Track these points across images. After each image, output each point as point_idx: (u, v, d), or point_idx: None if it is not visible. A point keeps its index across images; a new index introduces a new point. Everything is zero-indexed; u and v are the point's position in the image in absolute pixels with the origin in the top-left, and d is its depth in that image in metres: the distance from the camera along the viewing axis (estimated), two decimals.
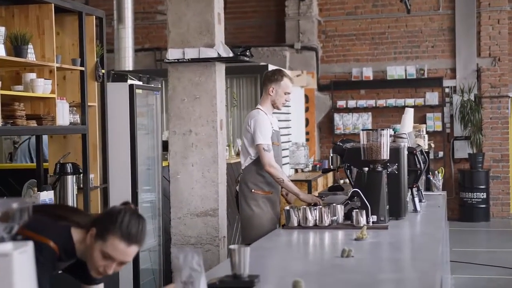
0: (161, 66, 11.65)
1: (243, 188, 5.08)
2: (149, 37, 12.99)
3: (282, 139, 9.02)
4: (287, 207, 4.10)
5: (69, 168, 5.23)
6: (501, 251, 9.25)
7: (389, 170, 4.26)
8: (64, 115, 5.12)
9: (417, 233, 4.26)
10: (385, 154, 4.17)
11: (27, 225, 1.89)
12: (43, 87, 4.87)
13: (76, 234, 2.59)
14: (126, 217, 2.53)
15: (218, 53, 5.17)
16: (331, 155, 4.86)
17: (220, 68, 5.37)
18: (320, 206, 4.10)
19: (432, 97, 11.94)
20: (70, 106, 5.29)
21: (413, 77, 12.02)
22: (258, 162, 5.02)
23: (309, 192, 8.26)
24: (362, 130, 4.27)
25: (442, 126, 11.93)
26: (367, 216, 4.00)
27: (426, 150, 5.99)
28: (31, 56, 4.83)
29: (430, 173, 6.18)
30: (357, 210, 4.00)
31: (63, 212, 2.68)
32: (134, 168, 6.02)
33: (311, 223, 4.00)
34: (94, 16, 5.73)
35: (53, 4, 5.06)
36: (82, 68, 5.43)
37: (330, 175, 9.97)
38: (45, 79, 4.93)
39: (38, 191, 5.04)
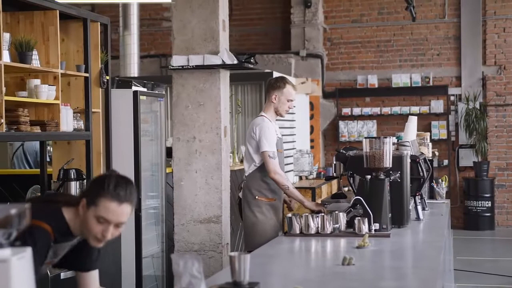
0: (166, 73, 11.68)
1: (247, 195, 5.09)
2: (155, 43, 13.02)
3: (286, 146, 9.04)
4: (289, 215, 4.10)
5: (72, 174, 5.24)
6: (506, 260, 9.22)
7: (392, 178, 4.26)
8: (68, 121, 5.14)
9: (419, 241, 4.24)
10: (388, 162, 4.16)
11: None
12: (47, 93, 4.89)
13: (67, 213, 2.63)
14: (113, 179, 2.59)
15: (223, 60, 5.18)
16: (334, 162, 4.86)
17: (225, 75, 5.38)
18: (323, 214, 4.09)
19: (437, 105, 11.92)
20: (74, 112, 5.31)
21: (418, 85, 12.01)
22: (262, 169, 5.03)
23: (313, 199, 8.26)
24: (365, 138, 4.27)
25: (447, 134, 11.91)
26: (369, 224, 4.00)
27: (430, 158, 5.98)
28: (35, 62, 4.85)
29: (434, 181, 6.16)
30: (359, 218, 4.00)
31: (52, 197, 2.75)
32: (138, 175, 6.03)
33: (313, 231, 3.99)
34: (99, 23, 5.75)
35: (58, 11, 5.09)
36: (87, 75, 5.45)
37: (334, 182, 9.96)
38: (49, 85, 4.95)
39: None
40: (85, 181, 5.42)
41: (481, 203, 11.48)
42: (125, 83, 6.35)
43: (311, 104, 11.62)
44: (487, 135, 11.74)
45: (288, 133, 9.47)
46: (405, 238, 4.11)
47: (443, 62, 12.13)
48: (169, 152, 6.03)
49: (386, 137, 4.20)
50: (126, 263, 5.84)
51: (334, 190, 9.72)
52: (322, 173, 10.06)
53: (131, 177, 6.01)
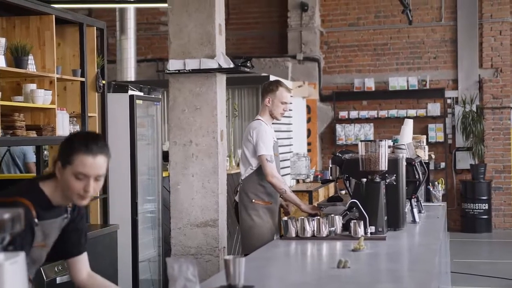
0: (163, 77, 11.67)
1: (243, 198, 5.10)
2: (152, 47, 13.03)
3: (283, 149, 9.06)
4: (285, 218, 4.10)
5: None
6: (503, 262, 9.22)
7: (388, 181, 4.27)
8: (64, 126, 5.14)
9: (414, 244, 4.25)
10: (384, 165, 4.17)
11: None
12: (43, 97, 4.90)
13: (45, 186, 2.65)
14: (81, 136, 2.69)
15: (219, 64, 5.20)
16: (330, 166, 4.87)
17: (221, 79, 5.39)
18: (319, 217, 4.10)
19: (434, 108, 11.94)
20: (70, 117, 5.31)
21: (415, 88, 12.04)
22: (258, 173, 5.05)
23: (310, 202, 8.27)
24: (361, 141, 4.28)
25: (444, 137, 11.93)
26: (365, 227, 4.00)
27: (426, 161, 5.99)
28: (31, 67, 4.85)
29: (430, 184, 6.17)
30: (355, 221, 4.00)
31: (28, 179, 2.80)
32: (134, 179, 6.04)
33: (309, 234, 4.00)
34: (95, 27, 5.76)
35: (54, 16, 5.10)
36: (83, 79, 5.45)
37: (332, 185, 9.97)
38: (45, 89, 4.95)
39: None
40: None
41: (478, 206, 11.50)
42: (121, 87, 6.35)
43: (308, 107, 11.63)
44: (484, 138, 11.76)
45: (285, 136, 9.49)
46: (401, 241, 4.12)
47: (440, 65, 12.15)
48: (165, 156, 6.04)
49: (381, 140, 4.21)
50: (122, 267, 5.84)
51: (332, 193, 9.73)
52: (319, 176, 10.07)
53: (128, 181, 6.03)
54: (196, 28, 5.25)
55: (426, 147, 6.45)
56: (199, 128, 5.26)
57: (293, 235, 4.03)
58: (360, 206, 4.05)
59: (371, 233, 4.01)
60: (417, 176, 4.81)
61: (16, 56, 4.75)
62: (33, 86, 4.91)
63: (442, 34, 12.13)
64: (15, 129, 4.66)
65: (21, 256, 1.67)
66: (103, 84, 5.79)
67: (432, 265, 3.31)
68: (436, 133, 11.92)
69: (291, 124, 9.88)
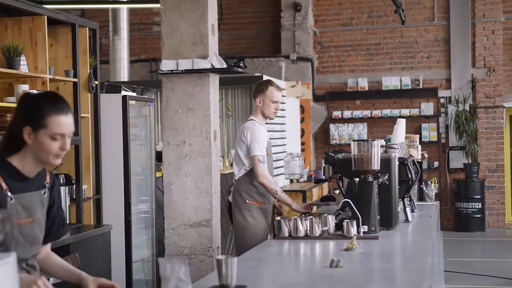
0: (156, 77, 11.67)
1: (237, 199, 5.11)
2: (145, 48, 13.02)
3: (277, 149, 9.07)
4: (278, 218, 4.11)
5: (61, 179, 5.24)
6: (496, 261, 9.25)
7: (380, 180, 4.27)
8: None
9: (407, 243, 4.26)
10: (376, 165, 4.18)
11: None
12: None
13: (12, 160, 2.62)
14: (45, 97, 2.64)
15: (212, 64, 5.19)
16: (323, 165, 4.88)
17: (214, 79, 5.39)
18: (311, 217, 4.10)
19: (427, 108, 11.96)
20: None
21: (408, 87, 12.06)
22: (252, 173, 5.06)
23: (304, 202, 8.28)
24: (353, 140, 4.29)
25: (437, 136, 11.96)
26: (358, 226, 4.01)
27: (419, 161, 6.00)
28: (23, 67, 4.85)
29: (423, 183, 6.19)
30: (348, 220, 4.01)
31: None
32: (127, 179, 6.04)
33: (302, 233, 4.00)
34: (88, 28, 5.75)
35: (46, 16, 5.09)
36: (75, 80, 5.45)
37: (325, 185, 9.98)
38: (37, 90, 4.94)
39: None
40: (74, 186, 5.42)
41: (472, 205, 11.53)
42: (114, 88, 6.35)
43: (301, 107, 11.64)
44: (477, 137, 11.79)
45: (279, 136, 9.49)
46: (393, 240, 4.12)
47: (433, 65, 12.18)
48: (159, 156, 6.04)
49: (374, 140, 4.22)
50: (116, 267, 5.84)
51: (325, 193, 9.74)
52: (313, 176, 10.08)
53: (121, 181, 6.03)
54: (189, 28, 5.24)
55: (419, 147, 6.46)
56: (192, 128, 5.26)
57: (286, 234, 4.03)
58: (353, 206, 4.06)
59: (363, 233, 4.02)
60: (409, 176, 4.82)
61: (8, 57, 4.75)
62: (25, 86, 4.90)
63: (435, 33, 12.16)
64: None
65: (12, 257, 1.67)
66: (96, 84, 5.79)
67: (425, 264, 3.31)
68: (429, 132, 11.95)
69: (285, 124, 9.89)
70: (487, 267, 8.68)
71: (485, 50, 11.96)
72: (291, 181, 9.71)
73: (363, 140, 4.24)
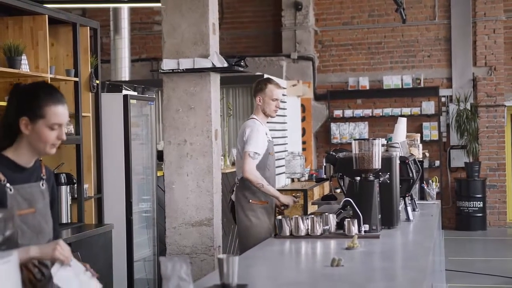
0: (157, 76, 11.68)
1: (240, 198, 5.12)
2: (146, 47, 13.02)
3: (278, 148, 9.07)
4: (279, 217, 4.11)
5: (63, 178, 5.24)
6: (498, 260, 9.25)
7: (381, 179, 4.27)
8: None
9: (408, 242, 4.26)
10: (377, 164, 4.18)
11: None
12: None
13: (8, 153, 2.64)
14: (42, 87, 2.67)
15: (213, 63, 5.19)
16: (324, 164, 4.88)
17: (215, 78, 5.39)
18: (312, 216, 4.09)
19: (429, 106, 11.96)
20: None
21: (409, 86, 12.05)
22: None
23: (305, 201, 8.29)
24: (354, 139, 4.29)
25: (439, 135, 11.95)
26: (359, 225, 4.01)
27: (420, 159, 6.00)
28: (24, 67, 4.85)
29: (424, 182, 6.19)
30: (349, 219, 4.01)
31: None
32: (129, 178, 6.04)
33: (303, 233, 4.00)
34: (89, 27, 5.76)
35: (47, 16, 5.09)
36: (76, 79, 5.45)
37: (327, 184, 9.99)
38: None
39: None
40: (75, 185, 5.42)
41: (473, 204, 11.52)
42: (115, 87, 6.35)
43: (302, 106, 11.64)
44: (478, 136, 11.78)
45: (280, 135, 9.49)
46: (394, 239, 4.12)
47: (434, 64, 12.17)
48: (160, 155, 6.04)
49: (375, 139, 4.22)
50: (117, 266, 5.84)
51: (326, 192, 9.75)
52: (314, 175, 10.08)
53: (122, 181, 6.04)
54: (190, 27, 5.25)
55: (420, 145, 6.46)
56: (194, 128, 5.26)
57: (287, 233, 4.03)
58: (354, 205, 4.06)
59: (365, 232, 4.02)
60: (411, 175, 4.82)
61: (9, 56, 4.75)
62: None
63: (436, 32, 12.16)
64: None
65: (13, 256, 1.67)
66: (97, 84, 5.79)
67: (426, 263, 3.32)
68: (430, 131, 11.94)
69: (286, 123, 9.89)
70: (488, 266, 8.68)
71: (486, 49, 11.95)
72: (292, 180, 9.71)
73: (364, 139, 4.24)
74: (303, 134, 11.62)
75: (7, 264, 1.63)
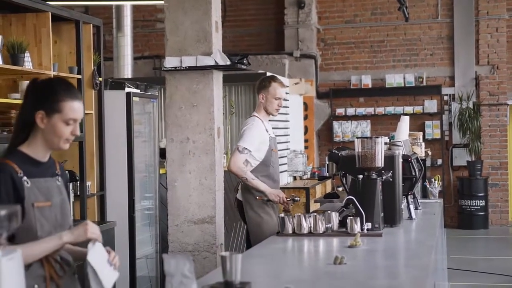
0: (160, 74, 11.69)
1: (247, 196, 5.13)
2: (149, 45, 13.03)
3: (280, 146, 9.06)
4: (282, 214, 4.11)
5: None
6: (500, 259, 9.25)
7: (384, 177, 4.27)
8: None
9: (411, 240, 4.26)
10: (380, 162, 4.18)
11: None
12: None
13: (23, 148, 2.66)
14: (59, 82, 2.68)
15: (216, 61, 5.19)
16: (327, 162, 4.89)
17: (218, 76, 5.39)
18: (315, 214, 4.10)
19: (431, 105, 11.96)
20: None
21: (412, 85, 12.05)
22: (258, 169, 5.08)
23: (307, 199, 8.29)
24: (357, 138, 4.29)
25: (441, 134, 11.95)
26: (362, 224, 4.01)
27: (423, 158, 6.00)
28: (28, 64, 4.86)
29: (427, 180, 6.19)
30: (351, 217, 4.01)
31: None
32: (131, 176, 6.04)
33: (305, 230, 4.01)
34: (92, 25, 5.76)
35: (50, 13, 5.10)
36: (79, 76, 5.46)
37: (329, 182, 9.98)
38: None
39: None
40: (78, 182, 5.42)
41: (475, 202, 11.52)
42: (118, 84, 6.35)
43: (305, 104, 11.63)
44: (481, 135, 11.78)
45: (282, 133, 9.49)
46: (397, 237, 4.13)
47: (437, 62, 12.17)
48: (162, 153, 6.04)
49: (378, 137, 4.22)
50: (120, 263, 5.84)
51: (329, 190, 9.74)
52: (316, 173, 10.08)
53: (125, 178, 6.04)
54: (193, 25, 5.24)
55: (423, 144, 6.46)
56: (196, 125, 5.26)
57: (290, 231, 4.04)
58: (357, 203, 4.06)
59: (367, 230, 4.02)
60: (413, 173, 4.82)
61: (13, 54, 4.75)
62: None
63: (439, 31, 12.15)
64: (12, 126, 4.66)
65: (17, 253, 1.67)
66: (100, 81, 5.80)
67: (428, 261, 3.32)
68: (433, 130, 11.94)
69: (288, 121, 9.89)
70: (490, 265, 8.68)
71: (488, 48, 11.95)
72: (295, 178, 9.71)
73: (367, 137, 4.24)
74: (306, 132, 11.62)
75: (11, 261, 1.64)
